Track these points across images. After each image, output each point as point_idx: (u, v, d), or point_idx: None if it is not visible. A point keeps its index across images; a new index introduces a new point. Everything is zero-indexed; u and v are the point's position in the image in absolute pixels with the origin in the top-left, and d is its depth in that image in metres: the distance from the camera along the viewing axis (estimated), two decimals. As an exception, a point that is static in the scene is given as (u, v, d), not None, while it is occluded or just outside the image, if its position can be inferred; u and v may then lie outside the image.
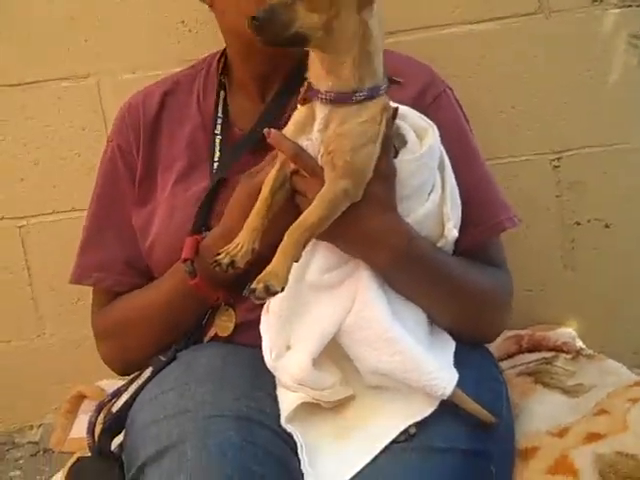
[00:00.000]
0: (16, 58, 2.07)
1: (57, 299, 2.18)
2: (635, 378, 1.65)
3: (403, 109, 1.37)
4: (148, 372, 1.45)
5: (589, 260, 2.11)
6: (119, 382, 1.57)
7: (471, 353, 1.44)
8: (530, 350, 1.90)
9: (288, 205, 1.30)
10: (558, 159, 2.05)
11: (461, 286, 1.43)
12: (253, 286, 1.15)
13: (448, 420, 1.28)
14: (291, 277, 1.23)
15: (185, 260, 1.45)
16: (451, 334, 1.42)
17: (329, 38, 1.19)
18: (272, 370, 1.32)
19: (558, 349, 1.87)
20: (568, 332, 1.96)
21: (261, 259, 1.22)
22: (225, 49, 1.66)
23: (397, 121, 1.34)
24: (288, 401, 1.31)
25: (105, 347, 1.65)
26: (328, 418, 1.32)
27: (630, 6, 1.98)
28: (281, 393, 1.34)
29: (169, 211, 1.57)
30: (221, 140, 1.57)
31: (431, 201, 1.37)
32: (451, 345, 1.40)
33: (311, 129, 1.27)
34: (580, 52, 2.02)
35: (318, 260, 1.33)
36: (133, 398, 1.41)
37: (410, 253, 1.33)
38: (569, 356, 1.83)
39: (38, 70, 2.08)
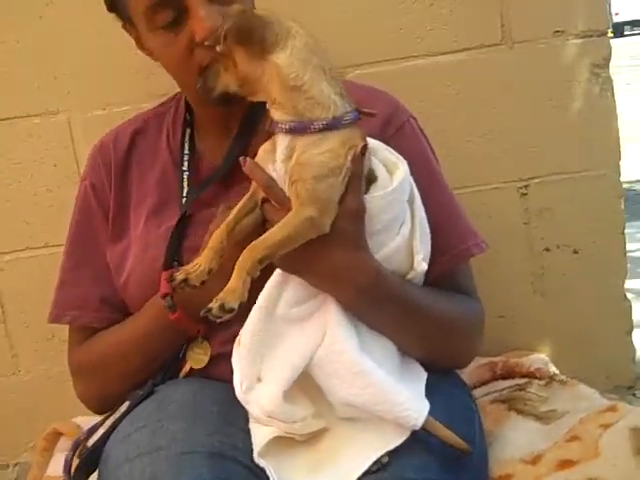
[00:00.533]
0: (-14, 96, 2.08)
1: (32, 336, 2.17)
2: (607, 403, 1.65)
3: (373, 143, 1.37)
4: (125, 406, 1.45)
5: (559, 285, 2.13)
6: (95, 418, 1.56)
7: (442, 382, 1.44)
8: (504, 377, 1.91)
9: (257, 231, 1.31)
10: (526, 187, 2.09)
11: (430, 317, 1.43)
12: (210, 305, 1.18)
13: (420, 450, 1.28)
14: (262, 310, 1.25)
15: (165, 295, 1.45)
16: (422, 362, 1.42)
17: (248, 88, 1.28)
18: (243, 403, 1.32)
19: (531, 375, 1.88)
20: (541, 358, 1.97)
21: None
22: None
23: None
24: (260, 435, 1.31)
25: (82, 385, 1.64)
26: (301, 452, 1.32)
27: (591, 36, 2.03)
28: (254, 427, 1.33)
29: (142, 247, 1.57)
30: (189, 176, 1.58)
31: (401, 235, 1.38)
32: (422, 375, 1.40)
33: (275, 160, 1.29)
34: (544, 81, 2.06)
35: (288, 293, 1.33)
36: (109, 432, 1.40)
37: (378, 290, 1.33)
38: (542, 382, 1.83)
39: (8, 107, 2.10)
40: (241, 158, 1.30)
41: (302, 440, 1.32)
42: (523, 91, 2.06)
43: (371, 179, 1.35)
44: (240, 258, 1.22)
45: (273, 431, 1.30)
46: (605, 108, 2.07)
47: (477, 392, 1.84)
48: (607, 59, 2.05)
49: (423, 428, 1.27)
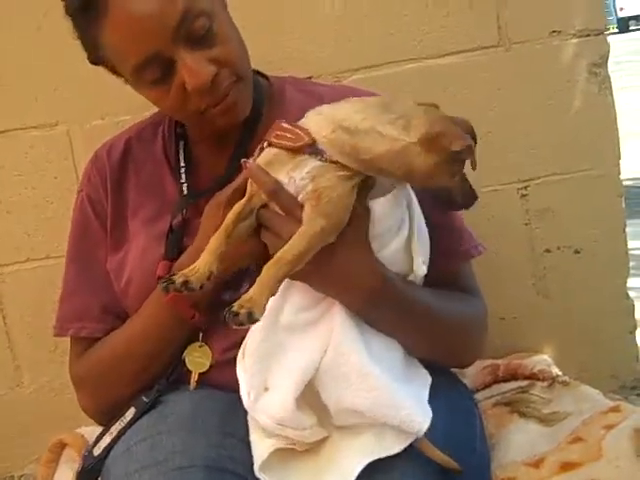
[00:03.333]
0: (-15, 109, 2.08)
1: (34, 347, 2.17)
2: (610, 404, 1.65)
3: None
4: (131, 413, 1.44)
5: (561, 286, 2.13)
6: (100, 428, 1.55)
7: (443, 387, 1.42)
8: (506, 379, 1.90)
9: (253, 237, 1.32)
10: (525, 187, 2.08)
11: (435, 317, 1.43)
12: (235, 309, 1.14)
13: (419, 456, 1.27)
14: (266, 320, 1.24)
15: (159, 278, 1.41)
16: (427, 361, 1.42)
17: None
18: (251, 412, 1.31)
19: (534, 377, 1.87)
20: (544, 359, 1.97)
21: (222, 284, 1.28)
22: None
23: None
24: (261, 448, 1.30)
25: (85, 396, 1.63)
26: (301, 463, 1.31)
27: (588, 35, 2.02)
28: (254, 440, 1.32)
29: (140, 252, 1.57)
30: (188, 187, 1.59)
31: (401, 236, 1.37)
32: (427, 380, 1.39)
33: (281, 169, 1.27)
34: (542, 82, 2.05)
35: (293, 300, 1.33)
36: (114, 442, 1.41)
37: (385, 293, 1.33)
38: (545, 384, 1.83)
39: (8, 119, 2.10)
40: (242, 160, 1.29)
41: (302, 450, 1.31)
42: (521, 92, 2.06)
43: (369, 184, 1.35)
44: (261, 276, 1.19)
45: (274, 443, 1.29)
46: (604, 107, 2.06)
47: (479, 395, 1.84)
48: (605, 58, 2.04)
49: (418, 447, 1.27)
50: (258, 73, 1.63)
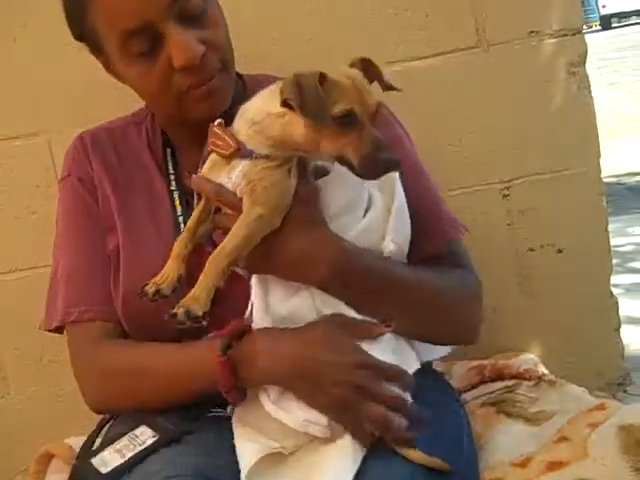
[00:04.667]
0: (-35, 120, 2.07)
1: (21, 358, 2.16)
2: (595, 402, 1.65)
3: None
4: (147, 436, 1.36)
5: (545, 285, 2.14)
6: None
7: (429, 389, 1.42)
8: (493, 379, 1.91)
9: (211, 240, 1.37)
10: (507, 188, 2.09)
11: (416, 289, 1.42)
12: (174, 311, 1.21)
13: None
14: (257, 320, 1.31)
15: (224, 335, 1.35)
16: (425, 340, 1.44)
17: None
18: (273, 413, 1.29)
19: (520, 376, 1.87)
20: (530, 358, 1.97)
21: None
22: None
23: None
24: (248, 456, 1.29)
25: (93, 388, 1.52)
26: (289, 469, 1.31)
27: (566, 35, 2.03)
28: (240, 448, 1.32)
29: (141, 262, 1.52)
30: (179, 195, 1.57)
31: (368, 219, 1.39)
32: (415, 363, 1.40)
33: (221, 172, 1.33)
34: (521, 82, 2.07)
35: (275, 293, 1.36)
36: (129, 465, 1.32)
37: (348, 262, 1.33)
38: (531, 383, 1.84)
39: (-12, 131, 2.09)
40: (186, 173, 1.37)
41: (287, 455, 1.31)
42: (501, 92, 2.07)
43: (304, 164, 1.36)
44: (205, 268, 1.24)
45: (261, 450, 1.29)
46: (583, 106, 2.08)
47: (466, 396, 1.85)
48: (583, 57, 2.05)
49: (404, 457, 1.26)
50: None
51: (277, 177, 1.29)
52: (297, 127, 1.25)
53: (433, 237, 1.51)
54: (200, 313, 1.21)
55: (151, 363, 1.46)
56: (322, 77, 1.23)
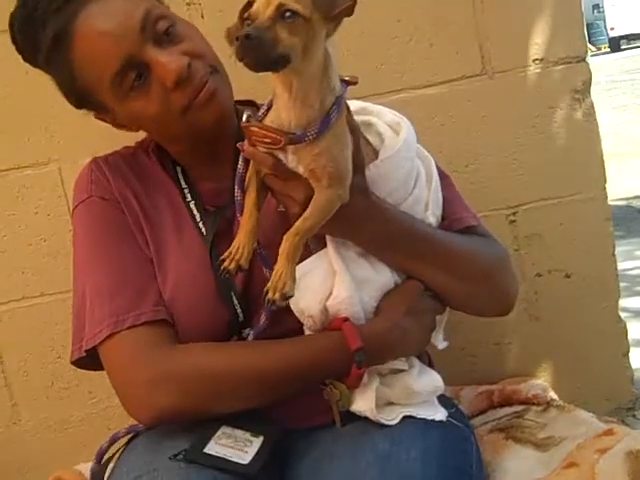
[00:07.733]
0: (-23, 150, 2.11)
1: (31, 384, 2.17)
2: (604, 427, 1.65)
3: (375, 107, 1.55)
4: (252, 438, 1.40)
5: (553, 310, 2.14)
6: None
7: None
8: (502, 405, 1.92)
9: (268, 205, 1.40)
10: (514, 214, 2.11)
11: (452, 250, 1.50)
12: (270, 297, 1.25)
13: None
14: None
15: (358, 350, 1.36)
16: (470, 310, 1.57)
17: (305, 62, 1.25)
18: (330, 309, 1.39)
19: (529, 402, 1.88)
20: (539, 384, 1.98)
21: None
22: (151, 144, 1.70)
23: (372, 119, 1.51)
24: None
25: (171, 393, 1.41)
26: None
27: (570, 62, 2.05)
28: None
29: (179, 263, 1.54)
30: (196, 204, 1.59)
31: (418, 188, 1.49)
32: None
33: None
34: (526, 109, 2.08)
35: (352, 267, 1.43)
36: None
37: (390, 223, 1.42)
38: (540, 408, 1.84)
39: (0, 161, 2.12)
40: (238, 144, 1.36)
41: None
42: (506, 119, 2.08)
43: (378, 141, 1.47)
44: (283, 248, 1.28)
45: None
46: (588, 132, 2.09)
47: (475, 421, 1.85)
48: (587, 84, 2.07)
49: None
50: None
51: (335, 154, 1.31)
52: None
53: (460, 218, 1.59)
54: (293, 292, 1.26)
55: (264, 363, 1.41)
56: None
